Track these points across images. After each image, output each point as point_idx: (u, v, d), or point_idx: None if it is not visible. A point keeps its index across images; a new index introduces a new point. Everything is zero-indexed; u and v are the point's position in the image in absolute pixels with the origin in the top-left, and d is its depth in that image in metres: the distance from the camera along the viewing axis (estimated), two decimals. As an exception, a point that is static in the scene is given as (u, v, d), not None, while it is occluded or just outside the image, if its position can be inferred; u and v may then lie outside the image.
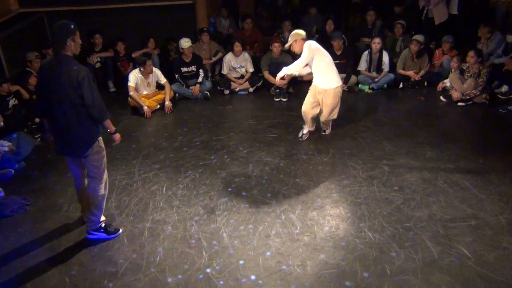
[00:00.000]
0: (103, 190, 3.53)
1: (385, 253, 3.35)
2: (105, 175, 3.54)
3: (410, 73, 6.90)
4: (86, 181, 3.60)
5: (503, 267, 3.17)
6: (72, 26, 3.19)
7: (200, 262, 3.32)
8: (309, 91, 5.15)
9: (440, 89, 6.61)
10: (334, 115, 5.21)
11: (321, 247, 3.44)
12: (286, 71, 4.96)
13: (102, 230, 3.62)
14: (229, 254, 3.40)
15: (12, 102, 5.57)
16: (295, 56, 7.04)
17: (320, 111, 5.18)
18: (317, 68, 4.94)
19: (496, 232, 3.54)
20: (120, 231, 3.70)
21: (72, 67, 3.14)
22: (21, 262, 3.40)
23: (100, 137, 3.43)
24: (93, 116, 3.26)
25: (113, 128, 3.50)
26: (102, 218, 3.66)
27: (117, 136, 3.57)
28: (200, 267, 3.27)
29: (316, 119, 5.29)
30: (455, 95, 6.26)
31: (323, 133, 5.41)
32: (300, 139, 5.28)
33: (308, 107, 5.15)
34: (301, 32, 4.91)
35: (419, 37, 6.81)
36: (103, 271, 3.27)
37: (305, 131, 5.33)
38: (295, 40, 4.88)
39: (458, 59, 6.50)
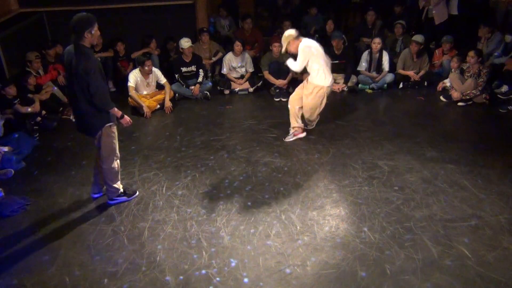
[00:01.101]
0: (116, 167, 3.95)
1: (385, 253, 3.35)
2: (117, 156, 3.93)
3: (410, 73, 6.90)
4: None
5: (503, 267, 3.17)
6: (92, 19, 3.47)
7: (200, 262, 3.32)
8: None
9: (440, 89, 6.61)
10: (313, 116, 5.27)
11: (321, 247, 3.44)
12: (290, 65, 5.09)
13: (122, 195, 4.09)
14: (229, 254, 3.40)
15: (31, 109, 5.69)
16: (294, 56, 7.08)
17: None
18: (310, 67, 5.01)
19: (496, 232, 3.54)
20: (138, 193, 4.21)
21: (86, 57, 3.42)
22: (21, 262, 3.40)
23: (113, 124, 3.77)
24: (96, 104, 3.57)
25: (119, 113, 3.80)
26: (120, 185, 4.08)
27: (125, 120, 3.88)
28: (200, 267, 3.28)
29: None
30: (455, 95, 6.26)
31: (305, 127, 5.40)
32: (284, 139, 5.27)
33: (293, 97, 5.24)
34: (291, 32, 4.88)
35: (418, 38, 6.80)
36: (103, 271, 3.27)
37: (290, 130, 5.32)
38: (288, 42, 4.89)
39: (458, 59, 6.50)
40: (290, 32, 4.89)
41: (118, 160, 3.97)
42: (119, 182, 4.06)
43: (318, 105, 5.14)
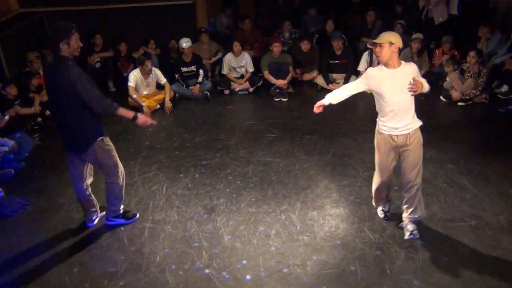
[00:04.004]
0: (120, 182, 3.64)
1: (385, 253, 3.34)
2: (120, 169, 3.62)
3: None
4: (89, 181, 3.68)
5: (503, 267, 3.17)
6: (67, 29, 3.17)
7: (200, 262, 3.32)
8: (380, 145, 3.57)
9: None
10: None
11: (321, 247, 3.44)
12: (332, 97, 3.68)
13: (121, 216, 3.78)
14: (229, 254, 3.40)
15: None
16: (295, 56, 7.10)
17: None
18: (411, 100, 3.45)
19: (496, 232, 3.54)
20: (137, 216, 3.86)
21: (66, 69, 3.16)
22: (21, 262, 3.40)
23: (105, 137, 3.46)
24: (100, 113, 3.32)
25: (132, 114, 3.46)
26: (121, 207, 3.78)
27: (141, 119, 3.50)
28: (200, 267, 3.27)
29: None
30: (455, 95, 6.26)
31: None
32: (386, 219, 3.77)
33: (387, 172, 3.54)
34: (399, 40, 3.21)
35: (419, 35, 6.82)
36: (103, 271, 3.27)
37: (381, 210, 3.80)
38: (391, 43, 3.15)
39: (451, 63, 6.51)
40: (399, 39, 3.20)
41: (122, 176, 3.65)
42: (120, 203, 3.77)
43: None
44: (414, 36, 6.86)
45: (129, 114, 3.46)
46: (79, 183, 3.62)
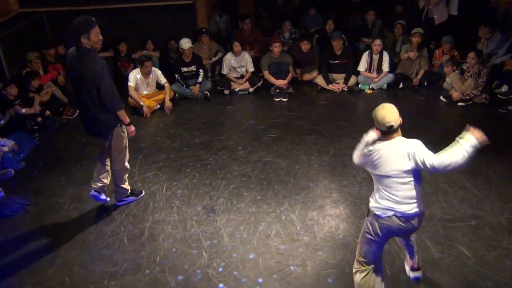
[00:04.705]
0: (126, 165, 3.93)
1: (385, 253, 3.34)
2: (127, 154, 3.91)
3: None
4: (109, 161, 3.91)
5: (503, 267, 3.17)
6: (87, 24, 3.34)
7: (200, 262, 3.32)
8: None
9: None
10: None
11: (321, 247, 3.44)
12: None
13: (130, 195, 4.09)
14: (229, 254, 3.40)
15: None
16: (295, 56, 7.10)
17: None
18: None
19: (496, 232, 3.54)
20: (143, 192, 4.21)
21: (91, 60, 3.38)
22: (21, 262, 3.40)
23: (123, 125, 3.72)
24: (106, 106, 3.53)
25: (127, 120, 3.72)
26: (128, 186, 4.06)
27: (131, 129, 3.78)
28: (200, 267, 3.28)
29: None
30: (455, 95, 6.26)
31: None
32: None
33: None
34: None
35: (420, 29, 6.84)
36: (103, 271, 3.27)
37: None
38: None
39: (451, 63, 6.51)
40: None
41: (127, 159, 3.93)
42: (127, 183, 4.05)
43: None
44: (414, 30, 6.86)
45: (126, 119, 3.71)
46: (103, 158, 3.90)
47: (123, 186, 4.00)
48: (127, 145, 3.87)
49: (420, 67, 6.93)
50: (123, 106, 3.67)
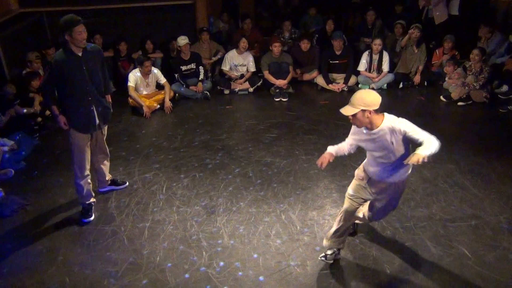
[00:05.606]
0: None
1: (385, 253, 3.34)
2: None
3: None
4: (98, 157, 4.07)
5: (503, 267, 3.17)
6: (70, 22, 3.43)
7: (200, 262, 3.32)
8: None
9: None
10: None
11: (321, 247, 3.43)
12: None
13: (110, 183, 4.28)
14: (229, 254, 3.40)
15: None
16: (295, 56, 7.10)
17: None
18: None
19: (496, 232, 3.54)
20: (127, 183, 4.38)
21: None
22: (21, 262, 3.40)
23: None
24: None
25: (57, 113, 3.85)
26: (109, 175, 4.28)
27: (61, 119, 3.88)
28: (200, 267, 3.27)
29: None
30: (456, 94, 6.26)
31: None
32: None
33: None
34: (374, 100, 2.92)
35: (418, 25, 6.86)
36: (103, 271, 3.27)
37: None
38: (363, 110, 2.91)
39: (452, 63, 6.51)
40: (374, 99, 2.93)
41: None
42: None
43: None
44: (413, 25, 6.88)
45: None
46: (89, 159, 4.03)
47: (105, 176, 4.24)
48: None
49: (420, 62, 6.93)
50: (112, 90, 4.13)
